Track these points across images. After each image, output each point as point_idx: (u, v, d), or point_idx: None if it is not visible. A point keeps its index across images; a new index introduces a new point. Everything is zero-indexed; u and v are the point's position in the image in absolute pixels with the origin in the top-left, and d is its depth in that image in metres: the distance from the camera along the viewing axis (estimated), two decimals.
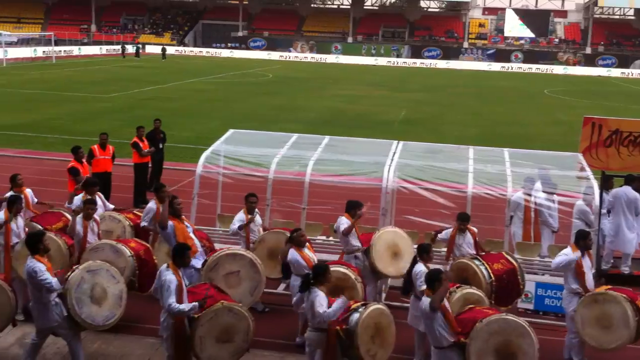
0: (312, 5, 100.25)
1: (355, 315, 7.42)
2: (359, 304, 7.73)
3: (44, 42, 72.48)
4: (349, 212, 9.74)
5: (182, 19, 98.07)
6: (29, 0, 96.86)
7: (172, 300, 7.36)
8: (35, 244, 7.71)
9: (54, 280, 7.51)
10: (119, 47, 73.02)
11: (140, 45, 75.01)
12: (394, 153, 11.60)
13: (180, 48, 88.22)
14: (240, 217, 10.08)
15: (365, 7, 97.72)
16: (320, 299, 7.32)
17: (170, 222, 9.18)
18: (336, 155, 12.02)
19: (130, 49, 73.66)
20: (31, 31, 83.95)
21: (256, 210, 10.30)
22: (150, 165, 16.08)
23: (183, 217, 9.48)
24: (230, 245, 11.14)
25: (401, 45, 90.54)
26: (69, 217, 10.12)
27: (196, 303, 7.43)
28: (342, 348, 7.39)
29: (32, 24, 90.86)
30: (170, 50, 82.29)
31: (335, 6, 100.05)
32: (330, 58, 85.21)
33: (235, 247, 9.49)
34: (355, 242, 9.75)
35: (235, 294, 8.49)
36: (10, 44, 66.05)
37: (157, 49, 76.74)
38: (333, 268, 8.55)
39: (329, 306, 7.33)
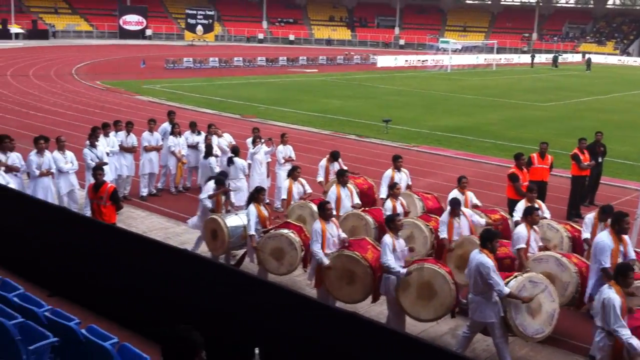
0: None
1: None
2: None
3: (486, 49, 75.66)
4: None
5: (628, 28, 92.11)
6: (477, 9, 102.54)
7: (619, 318, 6.97)
8: (489, 240, 8.04)
9: (504, 287, 7.71)
10: (550, 56, 72.00)
11: (558, 55, 72.43)
12: None
13: (623, 58, 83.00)
14: None
15: None
16: None
17: None
18: None
19: (543, 58, 71.50)
20: (475, 39, 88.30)
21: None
22: (587, 178, 15.53)
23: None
24: None
25: None
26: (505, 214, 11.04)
27: None
28: None
29: (477, 32, 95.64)
30: (612, 60, 78.21)
31: None
32: None
33: None
34: None
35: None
36: (455, 51, 70.54)
37: (600, 59, 73.78)
38: None
39: None
